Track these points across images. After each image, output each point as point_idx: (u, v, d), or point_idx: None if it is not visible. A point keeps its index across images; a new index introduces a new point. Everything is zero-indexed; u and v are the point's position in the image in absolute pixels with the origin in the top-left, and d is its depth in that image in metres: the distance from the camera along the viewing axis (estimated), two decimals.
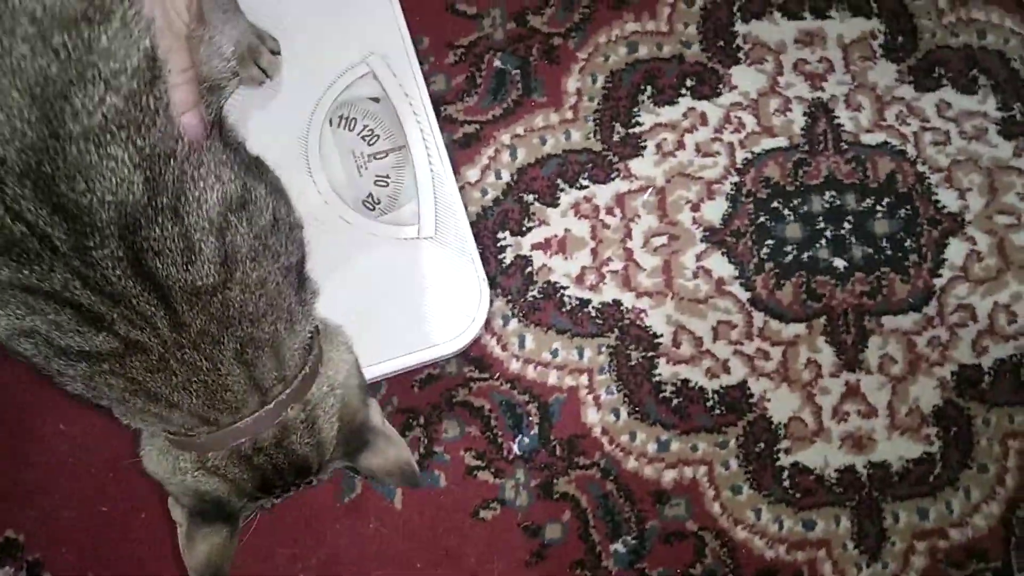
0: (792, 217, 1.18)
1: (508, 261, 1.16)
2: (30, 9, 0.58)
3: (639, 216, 1.18)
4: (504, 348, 1.14)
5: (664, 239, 1.17)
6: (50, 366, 0.70)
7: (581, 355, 1.15)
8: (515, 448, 1.13)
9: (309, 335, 0.80)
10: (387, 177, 1.13)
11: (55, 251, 0.63)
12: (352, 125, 1.13)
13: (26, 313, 0.66)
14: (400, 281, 1.09)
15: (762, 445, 1.14)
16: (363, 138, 1.13)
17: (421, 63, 1.15)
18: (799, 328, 1.16)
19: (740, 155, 1.19)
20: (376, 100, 1.13)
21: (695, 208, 1.18)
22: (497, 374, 1.14)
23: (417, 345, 1.08)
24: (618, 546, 1.11)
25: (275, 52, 1.09)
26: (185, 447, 0.78)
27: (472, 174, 1.18)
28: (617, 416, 1.14)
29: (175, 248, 0.66)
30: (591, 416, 1.14)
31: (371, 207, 1.12)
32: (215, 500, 0.80)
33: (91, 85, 0.60)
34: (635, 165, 1.19)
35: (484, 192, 1.17)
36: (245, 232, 0.70)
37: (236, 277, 0.70)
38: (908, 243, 1.17)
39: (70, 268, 0.64)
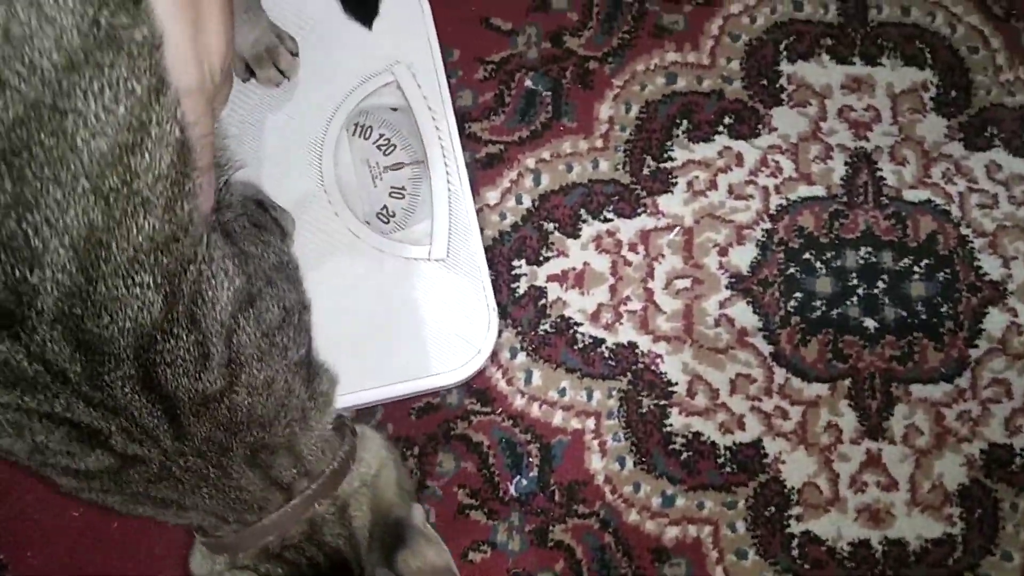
0: (824, 271, 1.12)
1: (521, 291, 1.10)
2: (86, 165, 0.53)
3: (663, 256, 1.12)
4: (509, 382, 1.08)
5: (687, 282, 1.11)
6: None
7: (590, 397, 1.09)
8: (512, 489, 1.06)
9: (330, 427, 0.75)
10: (403, 189, 1.07)
11: (66, 382, 0.58)
12: (368, 133, 1.08)
13: (12, 433, 0.61)
14: (405, 303, 1.03)
15: (773, 509, 1.07)
16: (379, 147, 1.08)
17: (448, 76, 1.10)
18: (822, 388, 1.10)
19: (774, 201, 1.13)
20: (395, 110, 1.08)
21: (723, 252, 1.12)
22: (500, 409, 1.08)
23: (417, 372, 1.02)
24: None
25: (294, 53, 1.04)
26: (215, 549, 0.74)
27: (492, 196, 1.12)
28: (622, 465, 1.07)
29: (188, 357, 0.60)
30: (595, 462, 1.07)
31: (385, 220, 1.06)
32: None
33: (131, 219, 0.55)
34: (663, 202, 1.13)
35: (502, 216, 1.12)
36: (252, 331, 0.65)
37: (242, 380, 0.64)
38: (945, 309, 1.11)
39: (77, 393, 0.59)
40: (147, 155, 0.55)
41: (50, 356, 0.56)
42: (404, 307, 1.03)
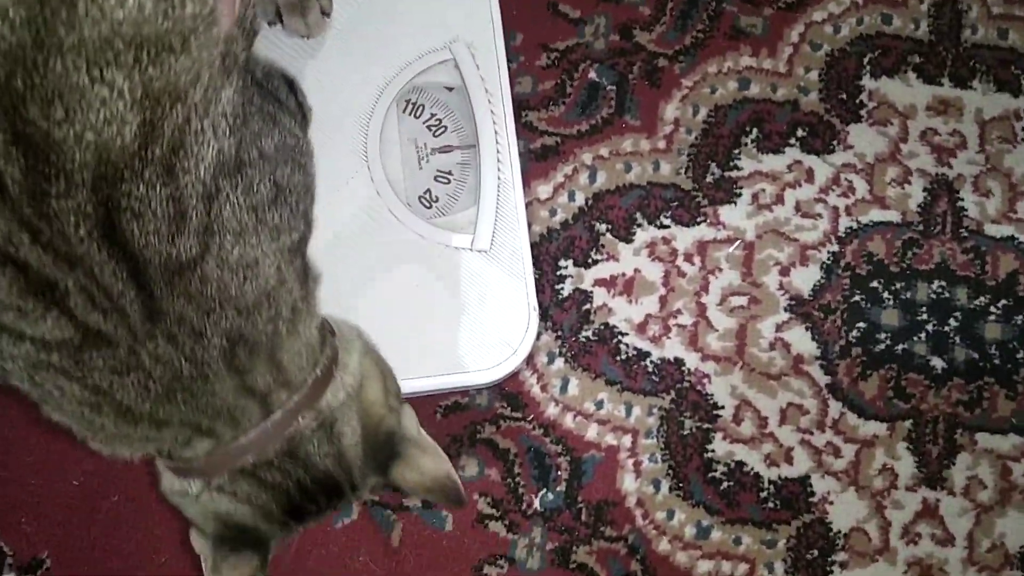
0: (891, 302, 1.04)
1: (565, 293, 1.03)
2: None
3: (720, 269, 1.04)
4: (544, 389, 1.01)
5: (743, 300, 1.04)
6: None
7: (628, 413, 1.01)
8: (536, 503, 0.99)
9: (316, 333, 0.66)
10: (449, 174, 1.01)
11: (2, 192, 0.48)
12: (419, 112, 1.02)
13: None
14: (442, 293, 0.97)
15: (815, 552, 0.99)
16: (429, 128, 1.02)
17: (509, 60, 1.04)
18: (879, 428, 1.01)
19: (844, 222, 1.06)
20: (451, 89, 1.02)
21: (784, 272, 1.04)
22: (531, 416, 1.01)
23: (447, 368, 0.96)
24: None
25: (325, 12, 0.99)
26: (185, 474, 0.65)
27: (543, 190, 1.06)
28: (657, 488, 1.00)
29: (161, 213, 0.52)
30: (627, 483, 1.00)
31: (427, 204, 1.00)
32: (238, 525, 0.66)
33: None
34: (725, 212, 1.06)
35: (553, 212, 1.05)
36: (236, 201, 0.56)
37: (213, 250, 0.55)
38: (1021, 355, 1.02)
39: (18, 217, 0.49)
40: None
41: None
42: (440, 297, 0.97)
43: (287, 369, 0.64)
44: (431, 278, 0.97)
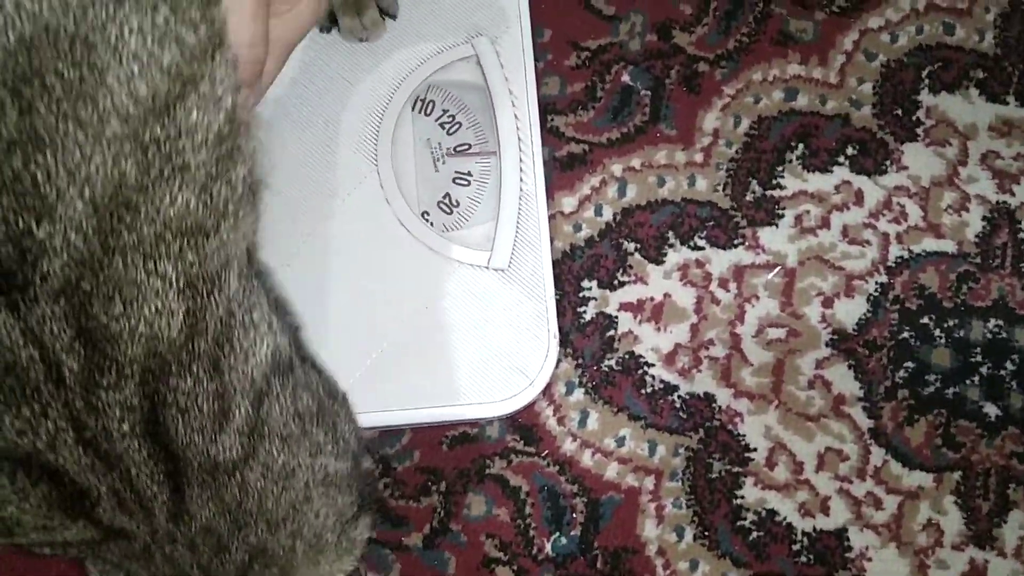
0: (943, 340, 0.95)
1: (588, 317, 0.94)
2: (122, 106, 0.44)
3: (757, 297, 0.95)
4: (561, 422, 0.93)
5: (782, 333, 0.95)
6: None
7: (652, 452, 0.93)
8: (548, 547, 0.91)
9: None
10: (469, 175, 0.92)
11: (59, 383, 0.47)
12: (430, 109, 0.93)
13: None
14: (453, 314, 0.88)
15: None
16: (442, 125, 0.93)
17: (535, 59, 0.95)
18: (925, 479, 0.93)
19: (894, 251, 0.96)
20: (465, 86, 0.92)
21: (827, 303, 0.95)
22: (545, 451, 0.92)
23: (457, 398, 0.87)
24: None
25: (389, 14, 0.89)
26: None
27: (567, 203, 0.96)
28: (680, 536, 0.91)
29: (206, 409, 0.49)
30: (648, 529, 0.91)
31: (447, 210, 0.91)
32: None
33: (167, 184, 0.46)
34: (765, 235, 0.96)
35: (577, 228, 0.96)
36: (286, 404, 0.52)
37: (260, 456, 0.52)
38: None
39: (69, 410, 0.47)
40: (194, 112, 0.46)
41: (48, 339, 0.46)
42: (451, 319, 0.88)
43: None
44: (442, 298, 0.88)
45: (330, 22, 0.90)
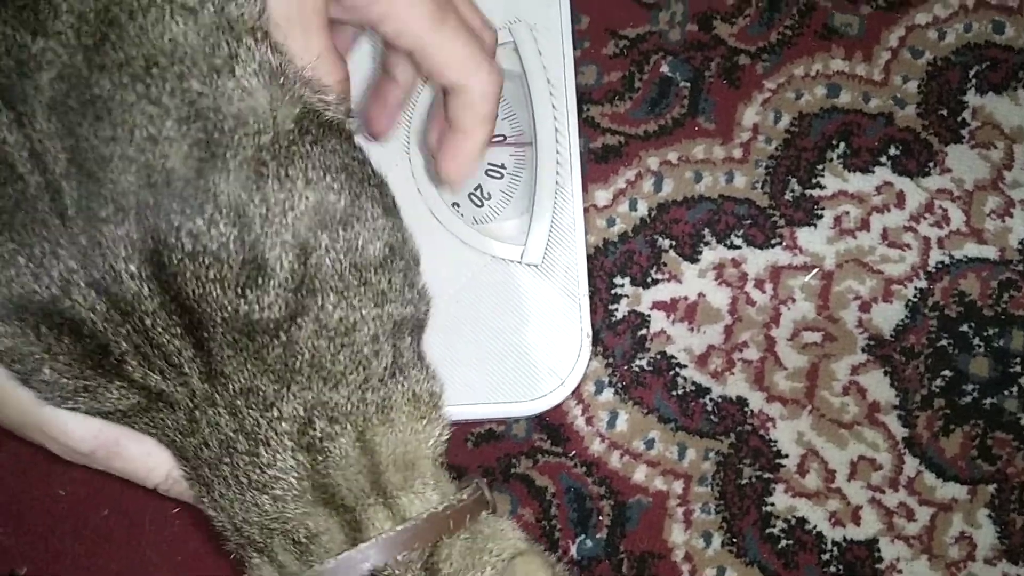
0: (982, 349, 0.92)
1: (620, 315, 0.92)
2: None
3: (793, 300, 0.93)
4: (589, 422, 0.90)
5: (817, 336, 0.92)
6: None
7: (682, 455, 0.90)
8: (573, 550, 0.89)
9: (435, 466, 0.53)
10: (502, 167, 0.89)
11: (63, 215, 0.44)
12: None
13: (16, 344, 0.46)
14: (483, 310, 0.86)
15: None
16: None
17: (574, 47, 0.91)
18: (959, 491, 0.91)
19: (935, 256, 0.94)
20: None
21: (864, 308, 0.93)
22: (573, 452, 0.90)
23: (484, 396, 0.84)
24: None
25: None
26: None
27: (601, 196, 0.94)
28: (708, 542, 0.89)
29: (226, 259, 0.44)
30: (676, 534, 0.89)
31: (479, 202, 0.88)
32: None
33: (158, 7, 0.46)
34: (803, 236, 0.94)
35: (611, 222, 0.93)
36: (339, 256, 0.48)
37: (312, 312, 0.47)
38: None
39: (76, 247, 0.43)
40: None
41: (49, 160, 0.43)
42: (481, 314, 0.85)
43: (385, 474, 0.50)
44: (472, 291, 0.86)
45: None
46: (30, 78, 0.43)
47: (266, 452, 0.48)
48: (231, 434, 0.47)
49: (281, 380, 0.47)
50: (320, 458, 0.48)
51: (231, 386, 0.46)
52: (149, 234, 0.43)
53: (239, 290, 0.44)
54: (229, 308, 0.44)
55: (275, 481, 0.48)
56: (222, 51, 0.46)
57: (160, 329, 0.45)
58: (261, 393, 0.47)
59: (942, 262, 0.94)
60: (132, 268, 0.44)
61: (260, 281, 0.45)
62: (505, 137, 0.89)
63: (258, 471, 0.48)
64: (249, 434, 0.47)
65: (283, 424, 0.48)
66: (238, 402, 0.47)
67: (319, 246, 0.47)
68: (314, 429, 0.48)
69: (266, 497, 0.48)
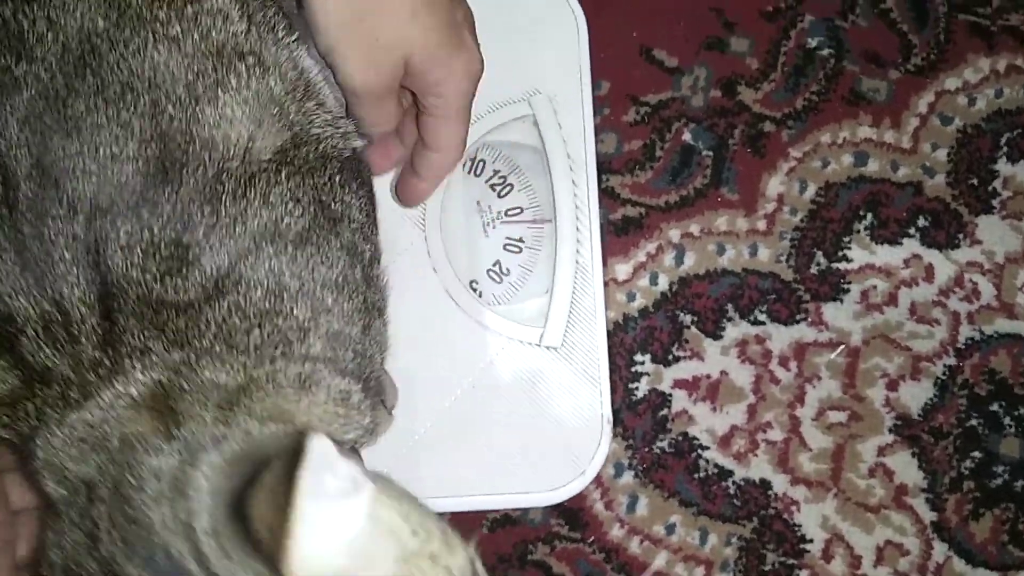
0: (1013, 429, 0.90)
1: (640, 394, 0.89)
2: None
3: (819, 378, 0.90)
4: (608, 506, 0.88)
5: (843, 416, 0.90)
6: None
7: (704, 540, 0.88)
8: None
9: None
10: (521, 241, 0.86)
11: (13, 208, 0.50)
12: (480, 169, 0.87)
13: None
14: (500, 395, 0.83)
15: None
16: (492, 187, 0.87)
17: (593, 114, 0.89)
18: None
19: (965, 332, 0.91)
20: (520, 146, 0.87)
21: (892, 386, 0.90)
22: (591, 538, 0.88)
23: (500, 486, 0.82)
24: None
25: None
26: None
27: (621, 270, 0.91)
28: None
29: (152, 254, 0.50)
30: None
31: (497, 278, 0.85)
32: None
33: (137, 35, 0.52)
34: (829, 311, 0.91)
35: (631, 297, 0.91)
36: (280, 265, 0.54)
37: (228, 298, 0.52)
38: None
39: (16, 232, 0.50)
40: None
41: (11, 164, 0.50)
42: (498, 400, 0.83)
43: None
44: (490, 377, 0.83)
45: None
46: (9, 97, 0.49)
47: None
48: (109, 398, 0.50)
49: (177, 345, 0.50)
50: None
51: (124, 349, 0.49)
52: (93, 232, 0.49)
53: (160, 276, 0.50)
54: (145, 288, 0.50)
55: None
56: (207, 78, 0.51)
57: (76, 299, 0.49)
58: (152, 355, 0.50)
59: (972, 338, 0.91)
60: (68, 255, 0.49)
61: (184, 271, 0.50)
62: (522, 210, 0.86)
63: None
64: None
65: (204, 395, 0.50)
66: (126, 361, 0.49)
67: (260, 255, 0.52)
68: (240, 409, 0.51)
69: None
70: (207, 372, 0.50)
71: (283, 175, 0.54)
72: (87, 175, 0.50)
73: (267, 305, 0.52)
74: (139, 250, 0.50)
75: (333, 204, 0.59)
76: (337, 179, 0.59)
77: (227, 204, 0.52)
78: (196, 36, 0.52)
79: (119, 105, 0.50)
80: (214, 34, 0.53)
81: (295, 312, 0.54)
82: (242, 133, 0.53)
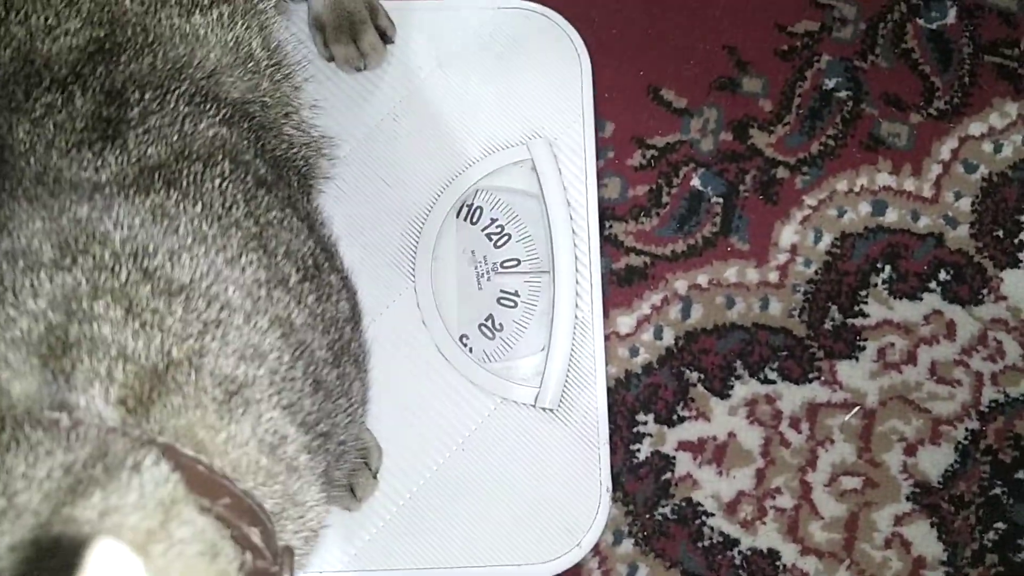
0: None
1: (642, 456, 0.84)
2: None
3: (832, 441, 0.85)
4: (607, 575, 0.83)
5: (858, 482, 0.85)
6: None
7: None
8: None
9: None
10: (516, 295, 0.81)
11: None
12: (476, 217, 0.82)
13: None
14: (492, 461, 0.78)
15: None
16: (488, 236, 0.82)
17: (596, 157, 0.84)
18: None
19: (988, 394, 0.86)
20: (517, 192, 0.82)
21: (910, 451, 0.85)
22: None
23: (490, 558, 0.77)
24: None
25: (386, 37, 0.80)
26: None
27: (623, 323, 0.86)
28: None
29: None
30: None
31: (490, 334, 0.80)
32: None
33: None
34: (844, 370, 0.86)
35: (633, 352, 0.85)
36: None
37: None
38: None
39: None
40: None
41: None
42: (489, 466, 0.78)
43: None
44: (480, 440, 0.78)
45: (327, 48, 0.81)
46: None
47: None
48: None
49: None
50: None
51: None
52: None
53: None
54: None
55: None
56: None
57: None
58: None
59: (996, 400, 0.86)
60: None
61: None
62: (519, 262, 0.82)
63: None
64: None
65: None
66: None
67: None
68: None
69: None
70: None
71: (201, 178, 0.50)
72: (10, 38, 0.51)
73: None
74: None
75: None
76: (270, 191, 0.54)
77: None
78: None
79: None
80: None
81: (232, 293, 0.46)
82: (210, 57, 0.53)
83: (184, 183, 0.47)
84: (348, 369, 0.54)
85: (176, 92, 0.50)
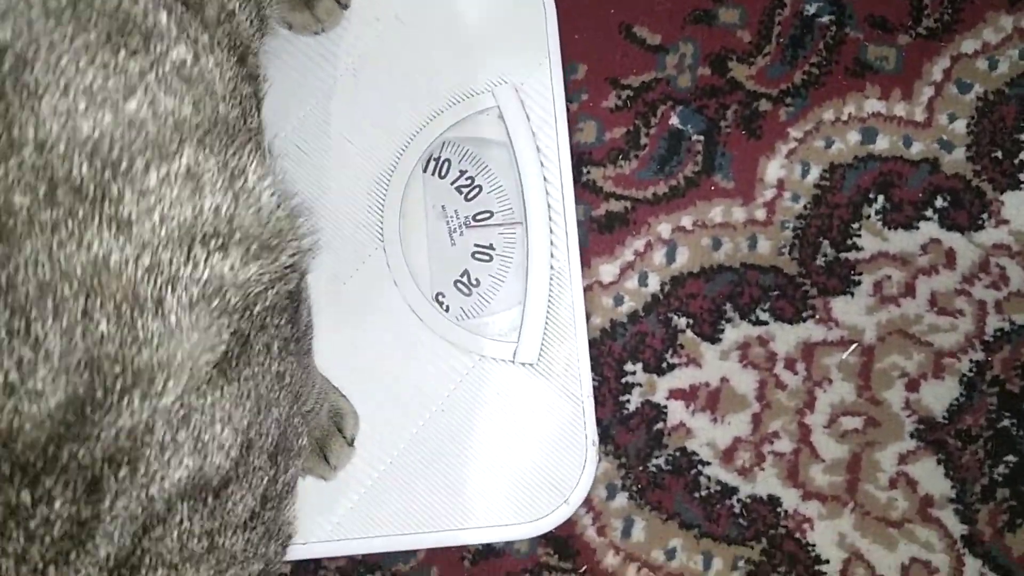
0: None
1: (632, 407, 0.81)
2: None
3: (830, 381, 0.82)
4: (601, 531, 0.80)
5: (859, 422, 0.81)
6: None
7: (707, 565, 0.80)
8: None
9: None
10: (491, 248, 0.79)
11: None
12: (445, 170, 0.79)
13: None
14: (473, 418, 0.76)
15: None
16: (458, 189, 0.79)
17: (569, 100, 0.81)
18: None
19: (992, 322, 0.82)
20: (486, 141, 0.79)
21: (912, 386, 0.82)
22: (584, 567, 0.80)
23: (476, 519, 0.75)
24: None
25: (342, 3, 0.77)
26: None
27: (606, 271, 0.83)
28: None
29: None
30: None
31: (466, 290, 0.78)
32: None
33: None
34: (839, 306, 0.82)
35: (618, 300, 0.82)
36: (192, 527, 0.43)
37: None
38: None
39: None
40: None
41: None
42: (470, 424, 0.76)
43: None
44: (460, 400, 0.76)
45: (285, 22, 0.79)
46: None
47: None
48: None
49: None
50: None
51: None
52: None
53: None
54: None
55: None
56: (161, 274, 0.39)
57: None
58: None
59: (1001, 329, 0.83)
60: None
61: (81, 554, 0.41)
62: (492, 214, 0.79)
63: None
64: None
65: None
66: None
67: (172, 518, 0.43)
68: None
69: None
70: None
71: (220, 389, 0.45)
72: None
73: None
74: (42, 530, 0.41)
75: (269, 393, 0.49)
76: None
77: (152, 456, 0.42)
78: (156, 218, 0.41)
79: (29, 314, 0.38)
80: (176, 212, 0.42)
81: None
82: (185, 350, 0.42)
83: None
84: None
85: None
